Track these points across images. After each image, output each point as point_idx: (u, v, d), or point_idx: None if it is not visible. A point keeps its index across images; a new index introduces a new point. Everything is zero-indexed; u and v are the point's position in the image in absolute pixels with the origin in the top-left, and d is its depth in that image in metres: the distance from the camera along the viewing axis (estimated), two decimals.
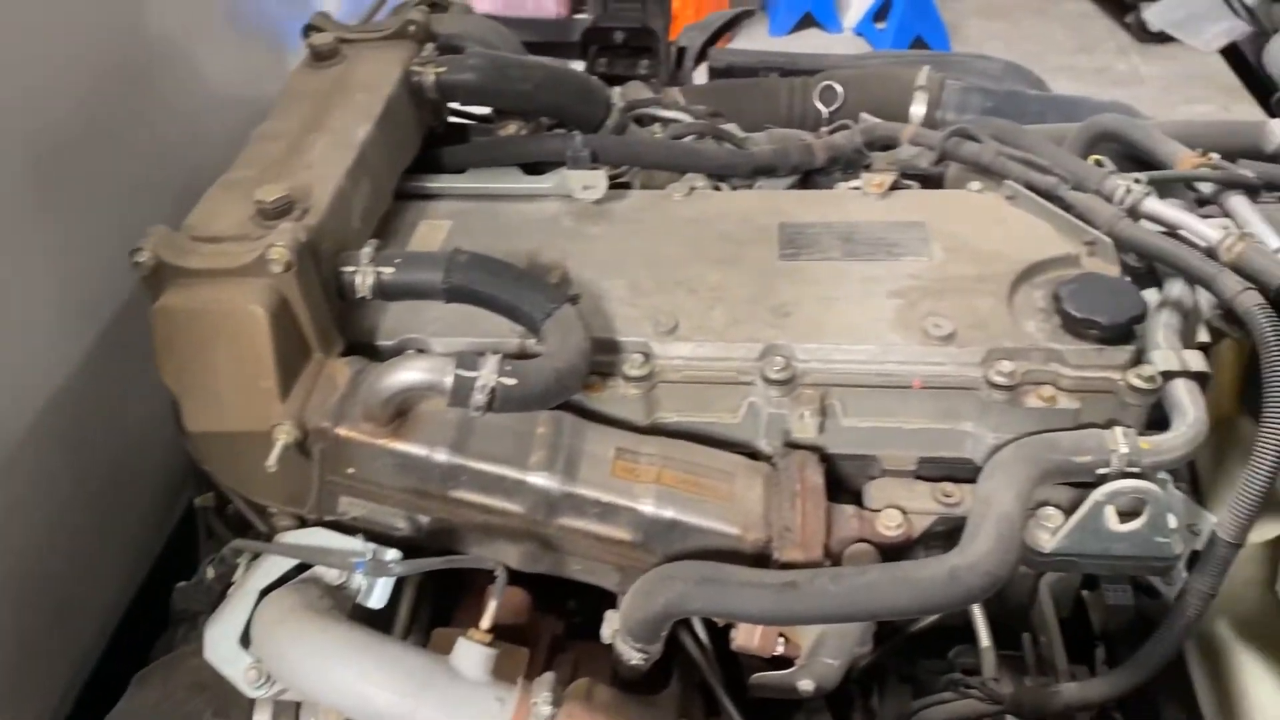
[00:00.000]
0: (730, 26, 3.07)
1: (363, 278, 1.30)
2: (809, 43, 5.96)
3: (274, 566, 1.26)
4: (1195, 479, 1.50)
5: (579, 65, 2.93)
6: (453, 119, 1.85)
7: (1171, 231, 1.42)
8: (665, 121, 1.87)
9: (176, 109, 1.76)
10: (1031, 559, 1.27)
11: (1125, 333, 1.27)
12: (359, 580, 1.24)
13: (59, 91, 1.50)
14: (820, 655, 1.27)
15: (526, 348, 1.33)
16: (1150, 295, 1.38)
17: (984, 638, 1.35)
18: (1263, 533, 1.33)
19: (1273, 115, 1.84)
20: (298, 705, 1.24)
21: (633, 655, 1.23)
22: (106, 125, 1.59)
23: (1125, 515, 1.22)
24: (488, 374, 1.17)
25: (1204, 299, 1.40)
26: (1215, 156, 1.57)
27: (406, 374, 1.20)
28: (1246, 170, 1.56)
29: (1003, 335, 1.30)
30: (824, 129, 1.88)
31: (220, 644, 1.23)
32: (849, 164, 1.77)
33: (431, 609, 1.40)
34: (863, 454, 1.36)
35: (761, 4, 6.22)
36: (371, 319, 1.39)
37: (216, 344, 1.23)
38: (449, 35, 1.78)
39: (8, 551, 1.42)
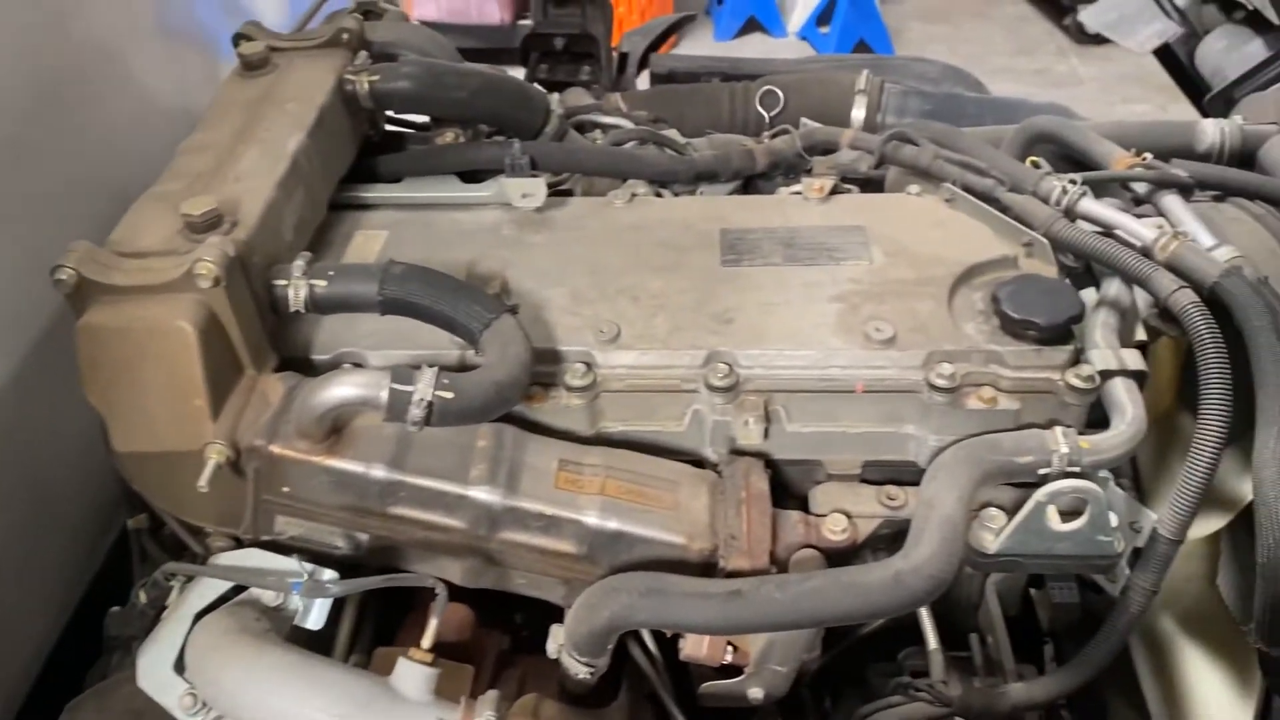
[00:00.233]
0: (673, 31, 3.07)
1: (295, 291, 1.28)
2: (753, 47, 6.00)
3: (208, 589, 1.23)
4: (1137, 476, 1.51)
5: (520, 72, 2.92)
6: (389, 128, 1.83)
7: (1107, 231, 1.44)
8: (606, 128, 1.86)
9: (102, 120, 1.72)
10: (976, 560, 1.28)
11: (1063, 333, 1.28)
12: (296, 601, 1.21)
13: None
14: (769, 662, 1.26)
15: (466, 360, 1.31)
16: (1088, 295, 1.40)
17: (931, 640, 1.35)
18: (1203, 528, 1.35)
19: (1205, 115, 1.87)
20: None
21: (579, 669, 1.21)
22: (28, 136, 1.55)
23: (1067, 515, 1.23)
24: (424, 387, 1.14)
25: (1141, 298, 1.41)
26: (1149, 156, 1.59)
27: (341, 389, 1.18)
28: (1179, 170, 1.58)
29: (943, 338, 1.30)
30: (765, 134, 1.88)
31: (154, 670, 1.20)
32: (790, 169, 1.77)
33: (374, 628, 1.38)
34: (807, 459, 1.36)
35: (706, 9, 6.24)
36: (306, 333, 1.36)
37: (144, 362, 1.20)
38: (383, 43, 1.75)
39: None
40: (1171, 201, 1.52)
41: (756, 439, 1.31)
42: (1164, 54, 3.44)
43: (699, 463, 1.35)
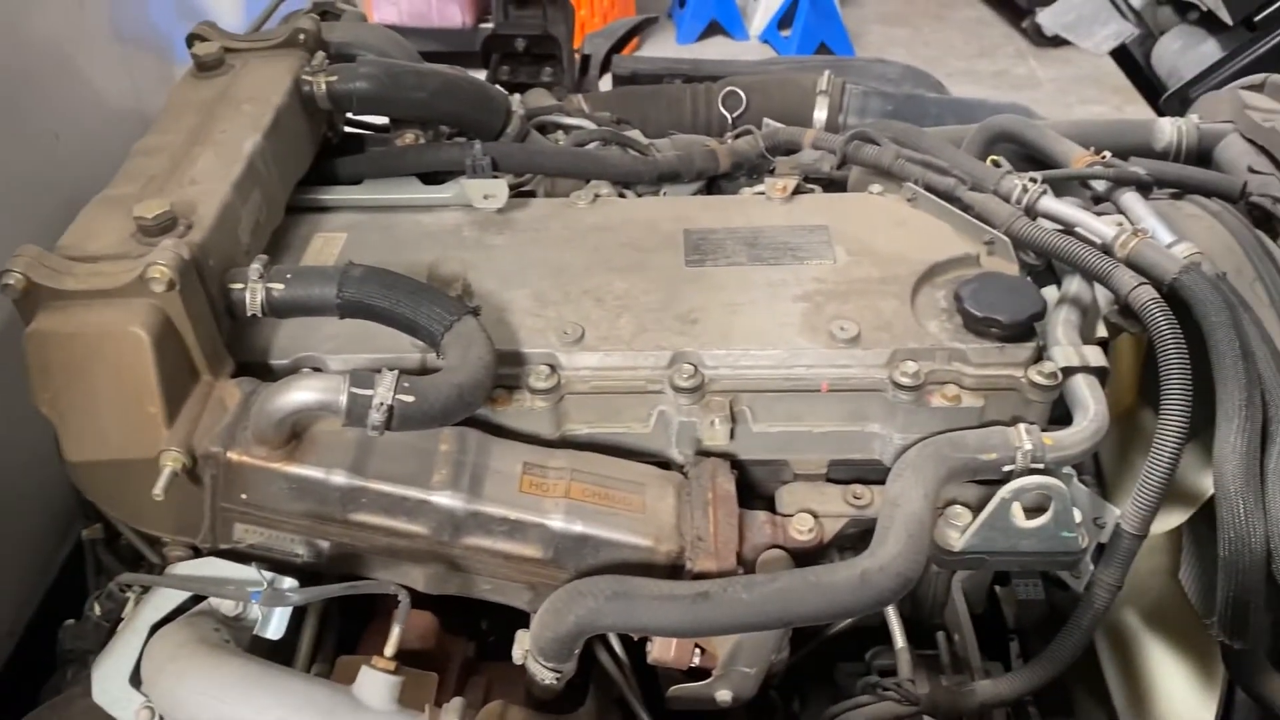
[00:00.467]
0: (635, 34, 3.06)
1: (252, 295, 1.25)
2: (715, 50, 6.01)
3: (165, 600, 1.20)
4: (1100, 473, 1.52)
5: (482, 74, 2.90)
6: (349, 129, 1.80)
7: (1068, 229, 1.45)
8: (568, 129, 1.85)
9: (51, 122, 1.68)
10: (941, 558, 1.28)
11: (1025, 330, 1.29)
12: (256, 611, 1.19)
13: None
14: (737, 664, 1.25)
15: (427, 363, 1.29)
16: (1049, 293, 1.40)
17: (899, 638, 1.35)
18: (1165, 523, 1.36)
19: (1161, 114, 1.89)
20: None
21: (545, 675, 1.19)
22: None
23: (1032, 511, 1.23)
24: (384, 391, 1.12)
25: (1102, 295, 1.42)
26: (1108, 155, 1.60)
27: (299, 394, 1.15)
28: (1138, 168, 1.59)
29: (906, 336, 1.30)
30: (728, 135, 1.88)
31: (109, 684, 1.17)
32: (753, 169, 1.78)
33: (337, 637, 1.35)
34: (774, 459, 1.35)
35: (668, 13, 6.25)
36: (264, 338, 1.34)
37: (96, 369, 1.17)
38: (341, 44, 1.73)
39: None
40: (1130, 199, 1.54)
41: (722, 440, 1.30)
42: (1121, 55, 3.48)
43: (665, 464, 1.35)
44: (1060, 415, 1.30)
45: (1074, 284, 1.42)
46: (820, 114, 2.05)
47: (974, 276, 1.36)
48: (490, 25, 3.12)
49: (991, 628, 1.58)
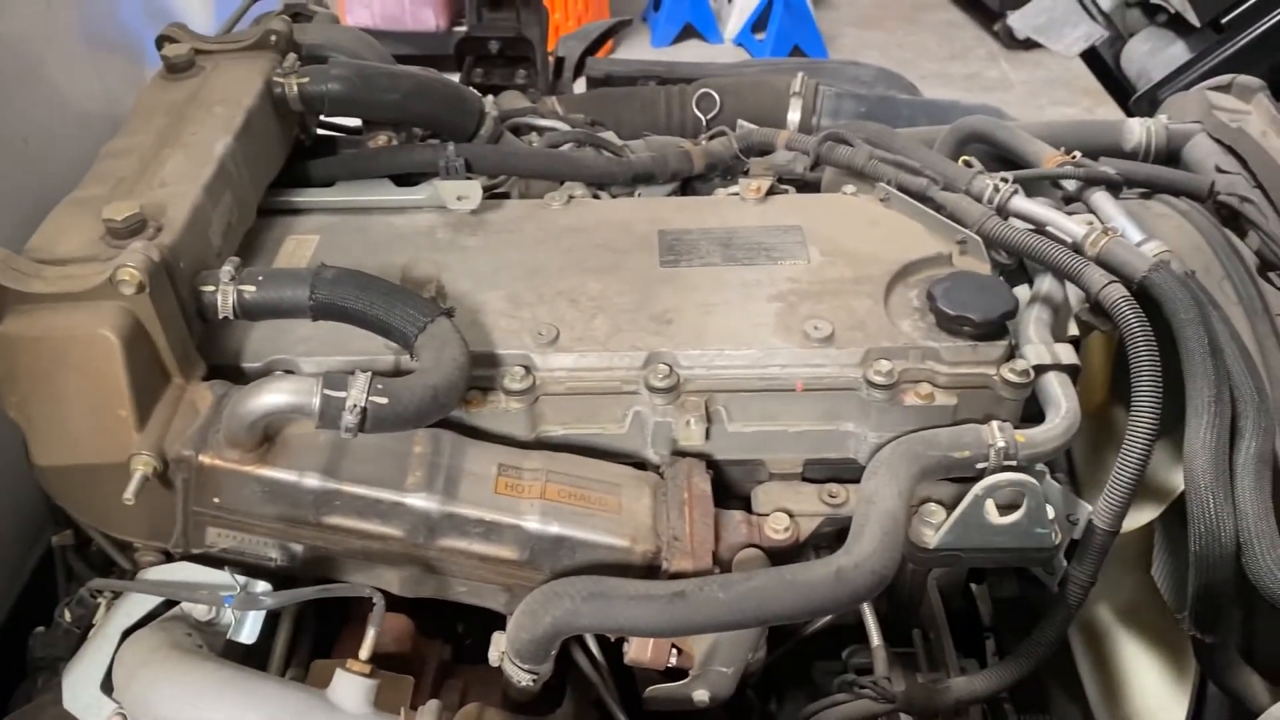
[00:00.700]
0: (609, 36, 3.06)
1: (224, 297, 1.24)
2: (690, 53, 6.03)
3: (136, 605, 1.19)
4: (1072, 470, 1.53)
5: (456, 77, 2.89)
6: (321, 131, 1.79)
7: (1039, 229, 1.46)
8: (542, 130, 1.85)
9: (18, 124, 1.66)
10: (916, 555, 1.29)
11: (998, 328, 1.30)
12: (229, 615, 1.18)
13: None
14: (714, 664, 1.26)
15: (401, 365, 1.29)
16: (1021, 291, 1.41)
17: (875, 636, 1.36)
18: (1137, 519, 1.37)
19: (1131, 115, 1.91)
20: None
21: (522, 677, 1.19)
22: None
23: (1005, 508, 1.24)
24: (357, 393, 1.12)
25: (1073, 293, 1.43)
26: (1078, 155, 1.61)
27: (271, 396, 1.15)
28: (1108, 168, 1.61)
29: (880, 335, 1.31)
30: (702, 136, 1.88)
31: (80, 691, 1.16)
32: (727, 170, 1.78)
33: (311, 642, 1.34)
34: (749, 459, 1.36)
35: (642, 16, 6.26)
36: (236, 340, 1.33)
37: (65, 372, 1.16)
38: (313, 45, 1.72)
39: None
40: (1101, 198, 1.55)
41: (698, 440, 1.31)
42: (1091, 57, 3.51)
43: (641, 465, 1.35)
44: (1033, 413, 1.31)
45: (1045, 283, 1.43)
46: (794, 116, 2.06)
47: (946, 276, 1.36)
48: (464, 29, 3.12)
49: (968, 626, 1.59)
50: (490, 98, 1.82)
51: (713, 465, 1.34)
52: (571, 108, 2.05)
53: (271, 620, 1.26)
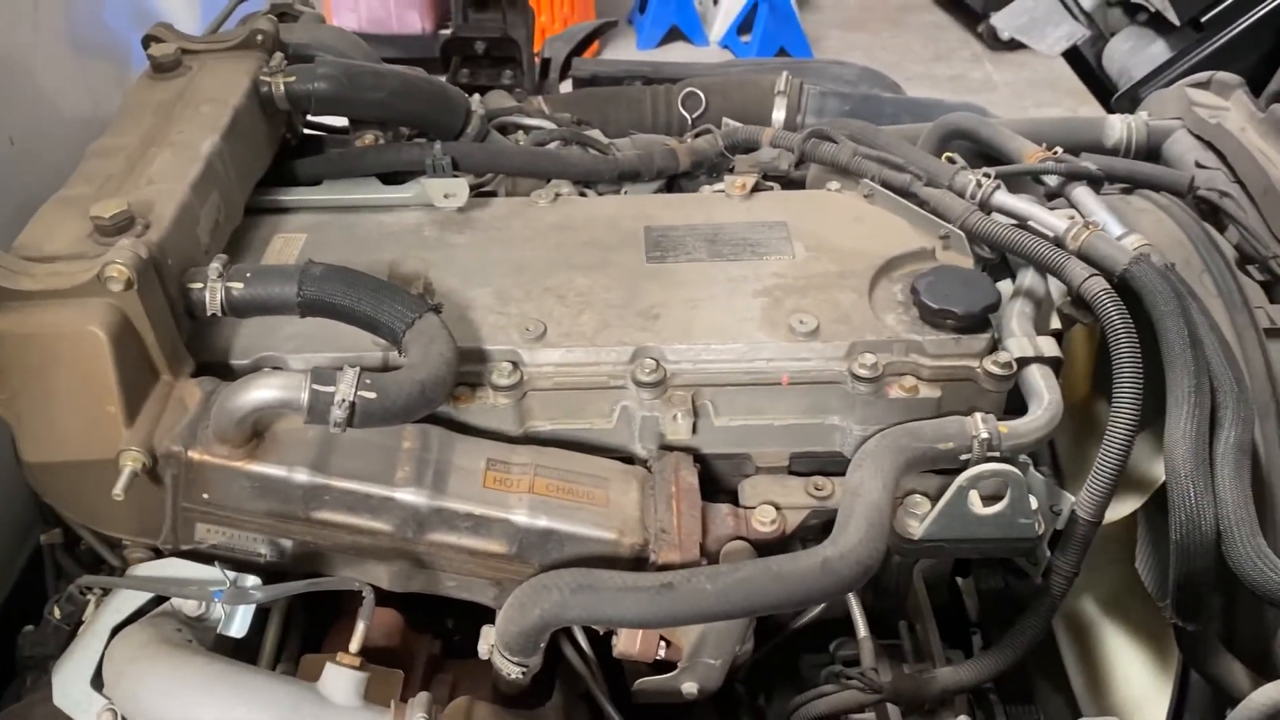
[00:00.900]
0: (595, 38, 3.07)
1: (212, 294, 1.25)
2: (676, 55, 6.04)
3: (126, 602, 1.19)
4: (1055, 462, 1.55)
5: (442, 79, 2.89)
6: (308, 130, 1.80)
7: (1021, 223, 1.47)
8: (528, 129, 1.85)
9: (7, 124, 1.66)
10: (901, 546, 1.30)
11: (981, 322, 1.31)
12: (219, 610, 1.18)
13: None
14: (702, 656, 1.26)
15: (389, 360, 1.29)
16: (1004, 285, 1.43)
17: (861, 628, 1.37)
18: (1119, 510, 1.39)
19: (1112, 113, 1.93)
20: None
21: (511, 669, 1.20)
22: None
23: (989, 499, 1.25)
24: (345, 388, 1.12)
25: (1055, 287, 1.44)
26: (1060, 151, 1.63)
27: (260, 392, 1.15)
28: (1089, 163, 1.62)
29: (865, 329, 1.32)
30: (688, 134, 1.89)
31: (70, 688, 1.16)
32: (712, 168, 1.79)
33: (301, 636, 1.35)
34: (736, 453, 1.37)
35: (628, 19, 6.27)
36: (224, 337, 1.33)
37: (53, 369, 1.16)
38: (299, 45, 1.72)
39: None
40: (1082, 193, 1.57)
41: (685, 434, 1.32)
42: (1073, 56, 3.55)
43: (628, 459, 1.35)
44: (1016, 406, 1.32)
45: (1028, 276, 1.44)
46: (779, 114, 2.07)
47: (930, 270, 1.38)
48: (449, 31, 3.12)
49: (954, 618, 1.60)
50: (476, 97, 1.82)
51: (700, 459, 1.35)
52: (558, 107, 2.06)
53: (261, 615, 1.26)
